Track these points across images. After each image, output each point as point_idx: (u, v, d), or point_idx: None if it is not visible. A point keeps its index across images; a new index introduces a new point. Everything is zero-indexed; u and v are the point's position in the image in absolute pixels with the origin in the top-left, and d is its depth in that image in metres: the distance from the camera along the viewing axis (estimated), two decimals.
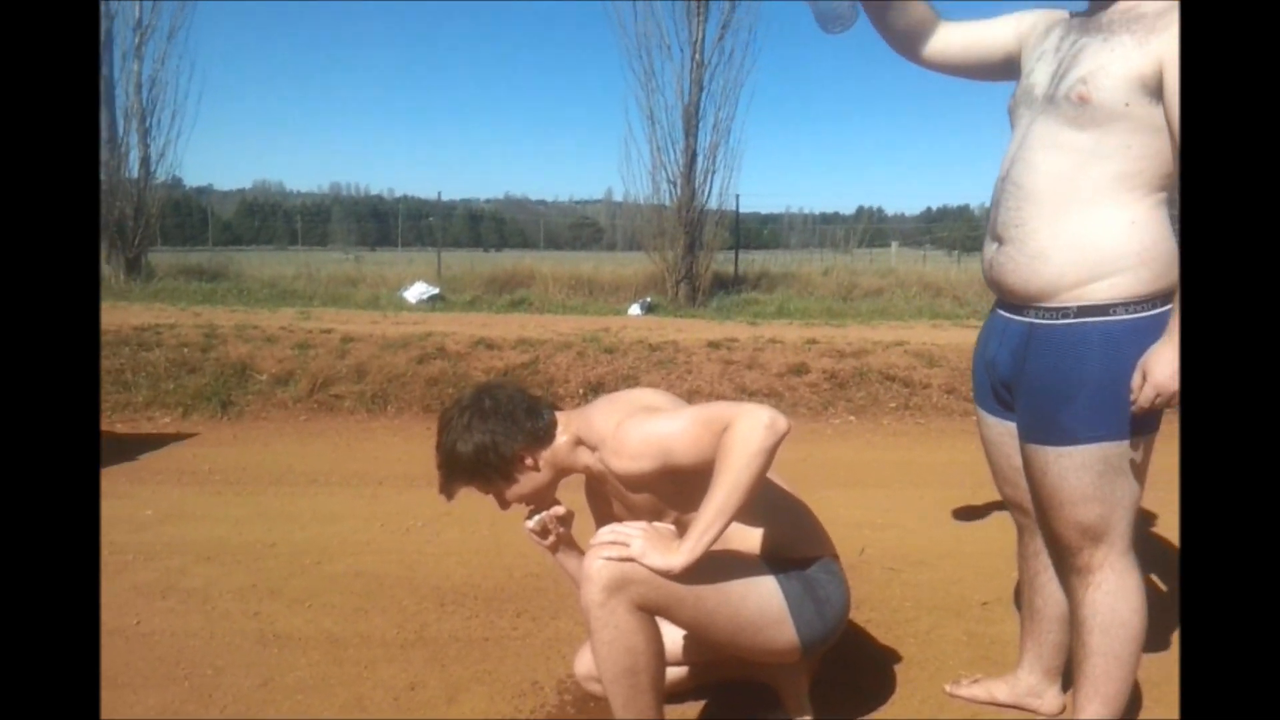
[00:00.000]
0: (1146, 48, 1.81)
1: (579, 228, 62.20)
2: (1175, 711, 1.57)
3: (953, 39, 2.13)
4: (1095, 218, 1.87)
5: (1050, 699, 2.32)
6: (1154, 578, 3.27)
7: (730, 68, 12.47)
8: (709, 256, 13.08)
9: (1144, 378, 1.79)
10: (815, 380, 7.16)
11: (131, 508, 4.06)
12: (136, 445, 5.25)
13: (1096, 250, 1.87)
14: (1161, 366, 1.76)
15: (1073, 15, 2.02)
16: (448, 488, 2.03)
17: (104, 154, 12.45)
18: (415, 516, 3.96)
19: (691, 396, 6.80)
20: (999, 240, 2.00)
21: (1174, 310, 1.77)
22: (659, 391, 2.09)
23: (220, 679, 2.49)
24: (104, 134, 12.51)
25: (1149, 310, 1.85)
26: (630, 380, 6.97)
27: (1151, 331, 1.83)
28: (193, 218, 42.43)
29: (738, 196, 14.66)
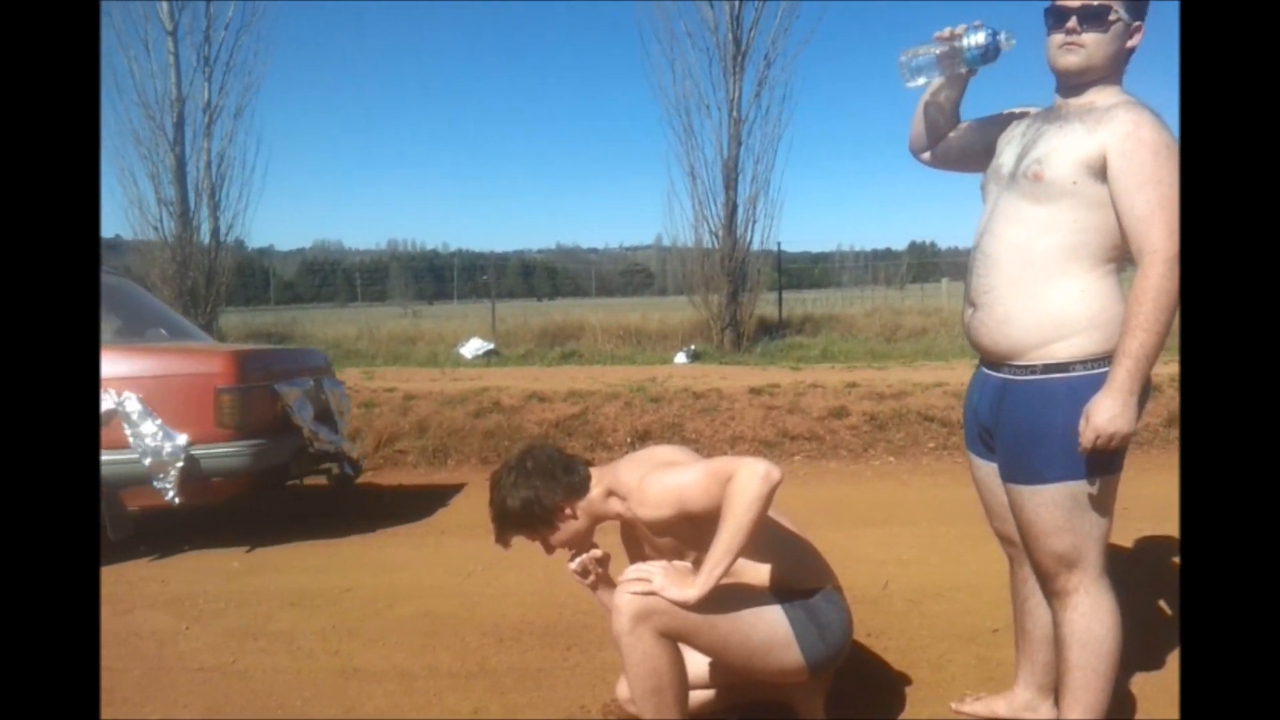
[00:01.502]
0: (1094, 135, 2.11)
1: (630, 274, 62.95)
2: (1175, 712, 1.74)
3: (967, 134, 2.50)
4: (1050, 286, 2.16)
5: (1044, 712, 2.56)
6: (1162, 603, 3.49)
7: (768, 122, 12.91)
8: (754, 300, 13.40)
9: (1087, 421, 2.08)
10: (855, 423, 7.40)
11: (221, 559, 4.50)
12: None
13: (1052, 316, 2.16)
14: (1100, 412, 2.05)
15: (1040, 110, 2.34)
16: (502, 538, 2.38)
17: (177, 227, 13.23)
18: (475, 562, 4.31)
19: (735, 442, 7.10)
20: (973, 305, 2.30)
21: (1114, 363, 2.06)
22: (677, 448, 2.42)
23: (308, 709, 2.84)
24: (176, 208, 13.29)
25: (1104, 367, 2.11)
26: (676, 428, 7.29)
27: None
28: (255, 278, 43.86)
29: (779, 244, 14.99)
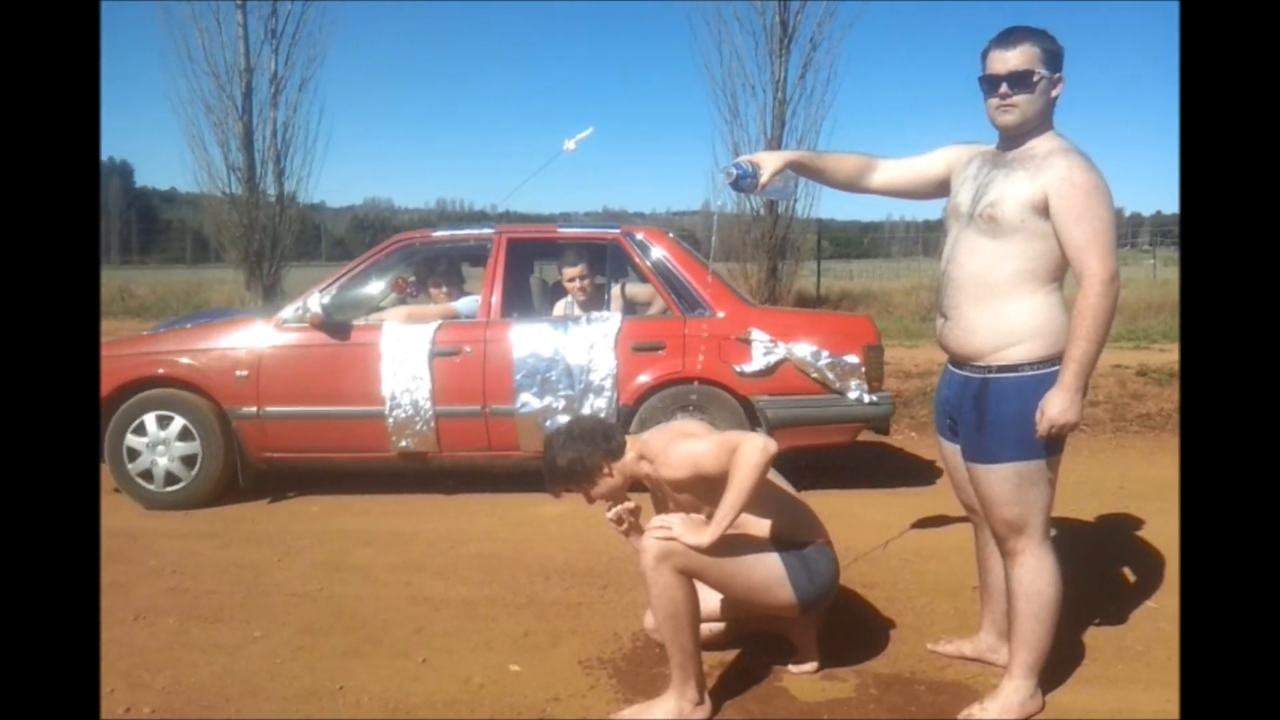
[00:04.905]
0: (1036, 180, 2.54)
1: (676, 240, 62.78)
2: (1175, 711, 1.92)
3: (897, 174, 2.92)
4: (1006, 304, 2.60)
5: (1004, 653, 2.99)
6: (1126, 570, 3.93)
7: (811, 104, 13.14)
8: (794, 273, 13.68)
9: (1042, 414, 2.54)
10: None
11: (300, 505, 5.12)
12: None
13: (1007, 327, 2.61)
14: (1052, 406, 2.50)
15: (987, 151, 2.77)
16: (553, 489, 2.91)
17: (244, 192, 13.87)
18: (524, 513, 4.87)
19: None
20: (945, 316, 2.76)
21: (1063, 366, 2.51)
22: (697, 422, 2.93)
23: (387, 628, 3.40)
24: (244, 174, 13.93)
25: (1047, 369, 2.57)
26: None
27: (1048, 383, 2.54)
28: (307, 234, 44.45)
29: (819, 223, 15.24)
